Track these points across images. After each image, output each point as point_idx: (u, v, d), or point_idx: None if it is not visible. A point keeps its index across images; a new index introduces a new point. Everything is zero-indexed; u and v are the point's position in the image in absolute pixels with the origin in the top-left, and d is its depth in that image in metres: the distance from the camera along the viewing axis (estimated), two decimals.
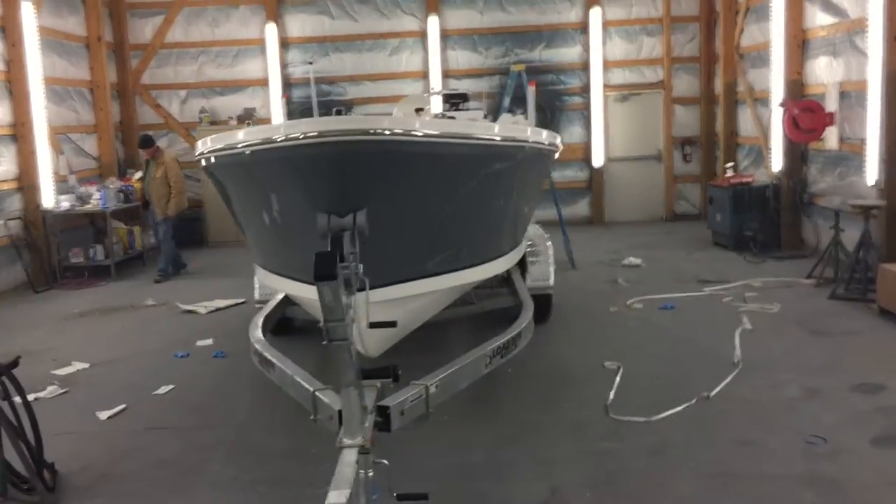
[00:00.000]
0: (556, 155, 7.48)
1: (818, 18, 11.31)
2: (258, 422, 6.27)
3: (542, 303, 8.37)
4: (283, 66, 15.76)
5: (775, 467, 4.97)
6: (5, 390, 4.93)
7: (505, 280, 8.31)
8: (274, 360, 5.50)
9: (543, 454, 5.38)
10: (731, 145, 14.85)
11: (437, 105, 9.66)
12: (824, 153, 11.30)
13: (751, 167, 14.05)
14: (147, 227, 13.50)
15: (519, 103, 13.19)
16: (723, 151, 14.95)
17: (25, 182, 12.03)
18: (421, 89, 15.30)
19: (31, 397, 6.78)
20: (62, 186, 12.83)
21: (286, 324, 8.07)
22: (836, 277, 9.43)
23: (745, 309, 8.73)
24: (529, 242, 8.52)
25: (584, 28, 15.61)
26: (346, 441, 3.90)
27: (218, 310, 10.06)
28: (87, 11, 14.23)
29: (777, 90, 12.23)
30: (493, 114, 13.74)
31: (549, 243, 8.65)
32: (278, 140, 4.17)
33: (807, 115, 10.93)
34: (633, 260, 11.72)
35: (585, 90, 15.79)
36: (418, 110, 9.10)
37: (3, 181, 11.61)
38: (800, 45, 11.74)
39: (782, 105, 11.43)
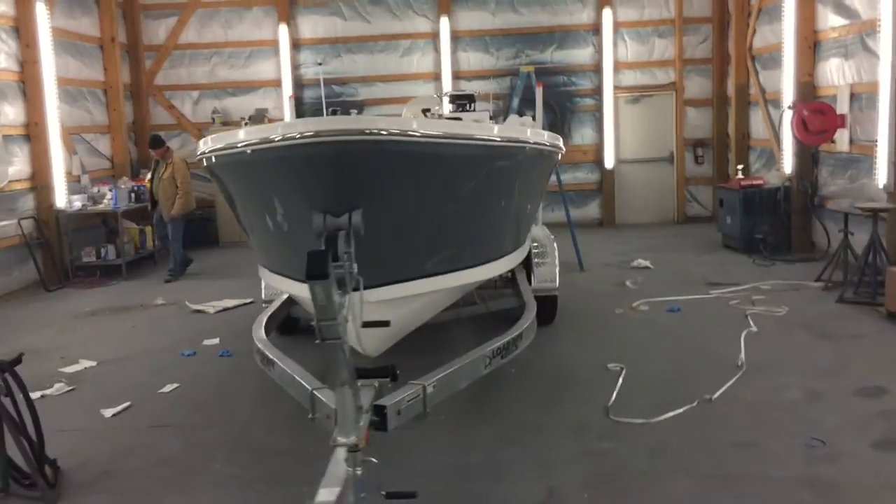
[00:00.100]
0: (559, 156, 7.48)
1: (830, 20, 11.25)
2: (260, 420, 6.30)
3: (548, 304, 8.39)
4: (295, 67, 15.83)
5: (774, 470, 4.95)
6: (7, 387, 4.98)
7: (510, 281, 8.33)
8: (274, 358, 5.55)
9: (542, 455, 5.38)
10: (742, 147, 14.78)
11: (448, 106, 9.66)
12: (835, 155, 11.25)
13: (762, 169, 13.98)
14: (152, 226, 13.53)
15: (529, 104, 13.18)
16: (734, 153, 14.89)
17: (38, 182, 12.16)
18: (432, 90, 15.31)
19: (37, 394, 6.97)
20: (75, 186, 12.96)
21: (292, 323, 8.13)
22: (845, 281, 9.37)
23: (751, 312, 8.69)
24: (535, 244, 8.53)
25: (595, 29, 15.59)
26: (340, 440, 3.92)
27: (226, 309, 10.12)
28: (100, 12, 14.36)
29: (788, 92, 12.17)
30: (504, 115, 13.79)
31: (554, 245, 8.64)
32: (276, 140, 4.21)
33: (817, 116, 10.88)
34: (641, 262, 11.70)
35: (597, 92, 15.76)
36: (425, 111, 9.13)
37: (17, 181, 11.73)
38: (811, 47, 11.69)
39: (791, 107, 11.37)
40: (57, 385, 7.29)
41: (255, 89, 16.04)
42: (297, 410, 5.31)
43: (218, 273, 12.65)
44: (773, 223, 12.16)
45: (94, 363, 8.00)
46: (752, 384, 6.51)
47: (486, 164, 5.11)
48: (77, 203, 12.62)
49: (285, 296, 7.39)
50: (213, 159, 4.96)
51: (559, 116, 15.54)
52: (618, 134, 15.85)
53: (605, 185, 15.97)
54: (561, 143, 7.37)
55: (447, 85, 15.37)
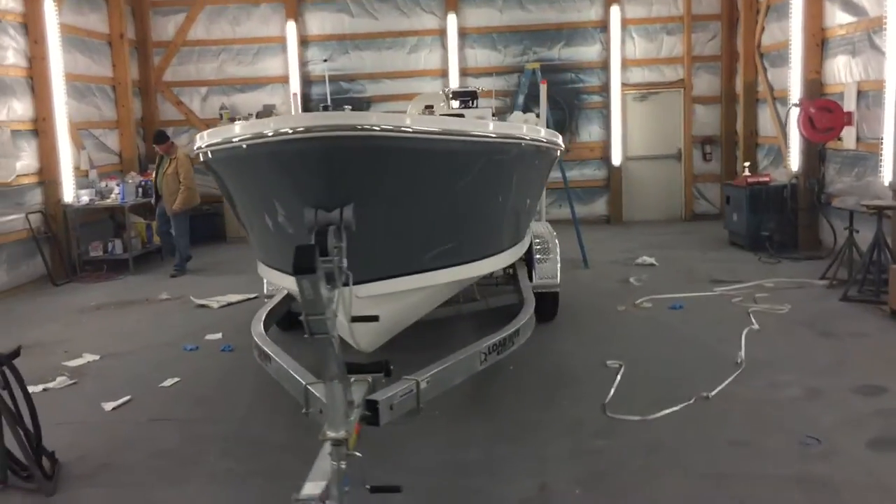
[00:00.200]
0: (558, 153, 7.47)
1: (838, 17, 11.19)
2: (258, 415, 6.33)
3: (549, 301, 8.40)
4: (303, 63, 15.87)
5: (767, 468, 4.93)
6: (5, 380, 5.02)
7: (512, 277, 8.34)
8: (271, 353, 5.58)
9: (537, 452, 5.38)
10: (750, 145, 14.72)
11: (450, 103, 9.68)
12: (842, 153, 11.19)
13: (770, 167, 13.93)
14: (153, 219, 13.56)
15: (534, 101, 13.18)
16: (742, 151, 14.83)
17: (46, 176, 12.24)
18: (440, 87, 15.30)
19: (40, 388, 7.05)
20: (83, 181, 13.04)
21: (293, 319, 8.14)
22: (849, 279, 9.32)
23: (754, 309, 8.66)
24: (538, 240, 8.53)
25: (603, 26, 15.57)
26: (330, 434, 3.94)
27: (230, 304, 10.17)
28: (109, 9, 14.45)
29: (796, 89, 12.10)
30: (511, 111, 13.77)
31: (556, 241, 8.64)
32: (268, 135, 4.22)
33: (824, 114, 10.82)
34: (646, 259, 11.67)
35: (604, 89, 15.74)
36: (428, 108, 9.14)
37: (25, 175, 11.81)
38: (819, 44, 11.62)
39: (798, 104, 11.32)
40: (59, 378, 7.34)
41: (263, 86, 16.10)
42: (295, 405, 5.29)
43: (223, 268, 12.69)
44: (780, 221, 12.12)
45: (97, 357, 8.06)
46: (750, 382, 6.50)
47: (481, 160, 5.11)
48: (84, 198, 12.71)
49: (285, 291, 7.42)
50: (209, 154, 4.98)
51: (567, 113, 15.55)
52: (625, 131, 15.82)
53: (613, 182, 15.94)
54: (560, 140, 7.35)
55: (455, 82, 15.39)
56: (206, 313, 9.88)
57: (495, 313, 7.83)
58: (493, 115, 8.81)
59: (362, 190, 4.23)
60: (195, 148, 5.46)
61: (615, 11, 15.36)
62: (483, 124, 5.51)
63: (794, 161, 12.32)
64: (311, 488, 3.43)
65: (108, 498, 5.05)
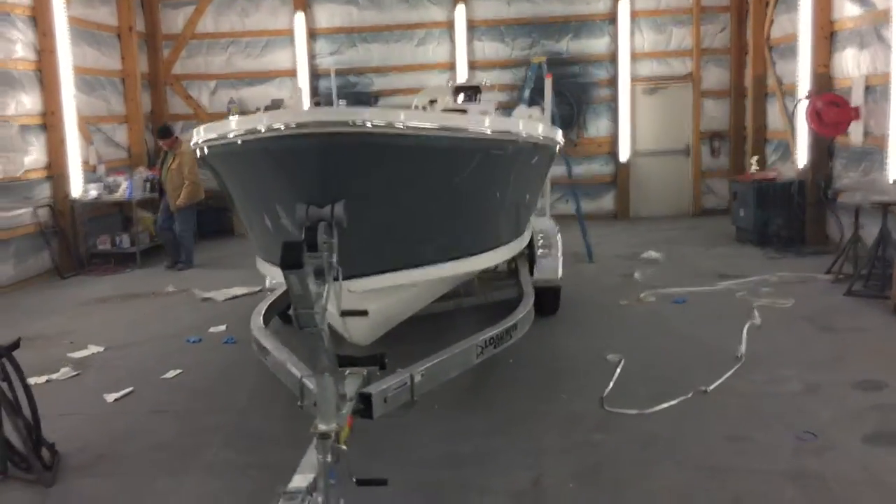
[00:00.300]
0: (557, 149, 7.46)
1: (846, 9, 11.10)
2: (258, 407, 6.37)
3: (551, 296, 8.40)
4: (311, 56, 15.88)
5: (761, 462, 4.93)
6: (4, 372, 5.07)
7: (514, 271, 8.35)
8: (268, 347, 5.62)
9: (533, 444, 5.40)
10: (759, 140, 14.62)
11: (453, 98, 9.66)
12: (849, 148, 11.11)
13: (779, 162, 13.84)
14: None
15: (541, 95, 13.06)
16: (751, 146, 14.73)
17: (54, 171, 12.29)
18: (447, 80, 15.30)
19: (43, 379, 7.12)
20: (91, 175, 13.10)
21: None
22: (855, 274, 9.28)
23: (757, 304, 8.63)
24: (541, 235, 8.53)
25: (612, 19, 15.49)
26: (321, 427, 3.97)
27: (235, 297, 10.23)
28: (118, 2, 14.47)
29: (804, 83, 12.03)
30: (519, 105, 13.74)
31: (559, 236, 8.63)
32: (261, 131, 4.25)
33: (831, 108, 10.75)
34: (652, 254, 11.65)
35: (613, 82, 15.67)
36: (432, 102, 9.14)
37: (33, 170, 11.87)
38: (827, 37, 11.54)
39: (806, 98, 11.26)
40: (63, 370, 7.41)
41: (272, 79, 16.12)
42: (294, 397, 5.35)
43: (229, 262, 12.75)
44: (787, 216, 12.07)
45: (101, 349, 8.13)
46: (749, 376, 6.49)
47: (475, 157, 5.11)
48: (93, 192, 12.78)
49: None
50: (206, 150, 5.01)
51: (575, 108, 15.49)
52: (634, 125, 15.75)
53: (620, 177, 15.89)
54: (559, 136, 7.35)
55: (462, 75, 15.36)
56: (210, 306, 9.95)
57: (499, 307, 7.82)
58: (497, 109, 8.80)
59: (354, 186, 4.25)
60: (191, 144, 5.49)
61: (624, 3, 15.27)
62: (478, 120, 5.49)
63: (802, 156, 12.25)
64: (299, 481, 3.46)
65: (106, 489, 5.10)
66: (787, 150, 13.45)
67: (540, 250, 8.40)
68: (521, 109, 9.42)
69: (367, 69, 15.89)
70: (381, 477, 3.83)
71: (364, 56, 15.88)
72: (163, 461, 5.44)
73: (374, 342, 5.56)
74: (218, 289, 10.58)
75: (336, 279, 3.94)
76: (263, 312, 6.71)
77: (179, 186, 11.95)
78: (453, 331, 7.70)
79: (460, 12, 15.49)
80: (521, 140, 5.80)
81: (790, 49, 13.04)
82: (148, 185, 13.29)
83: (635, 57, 15.59)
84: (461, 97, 9.24)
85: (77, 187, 12.61)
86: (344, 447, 3.69)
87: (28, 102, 11.79)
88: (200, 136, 5.07)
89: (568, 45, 15.64)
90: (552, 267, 8.32)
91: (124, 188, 12.99)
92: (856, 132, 10.71)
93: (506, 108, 13.00)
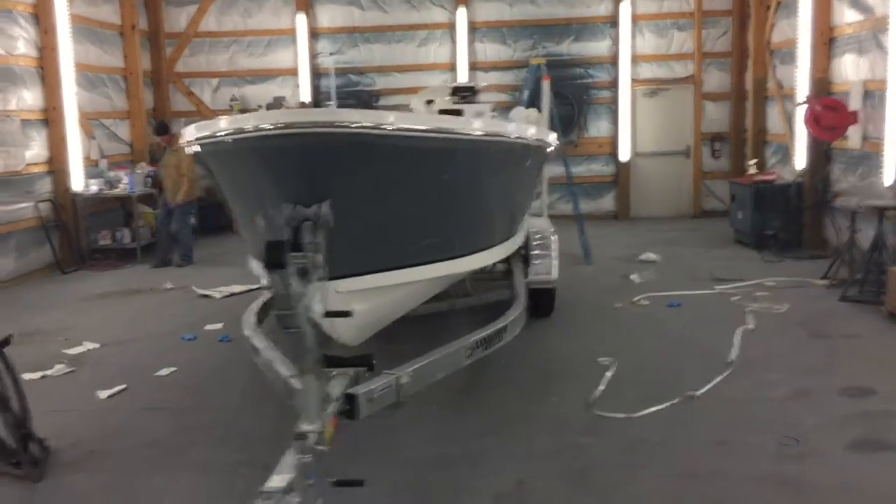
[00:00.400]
0: (550, 150, 7.48)
1: (846, 15, 11.10)
2: (250, 405, 6.39)
3: (545, 297, 8.43)
4: (313, 55, 15.94)
5: (742, 468, 4.95)
6: None
7: (508, 273, 8.37)
8: (258, 345, 5.65)
9: (520, 447, 5.43)
10: (759, 142, 14.64)
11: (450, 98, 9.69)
12: (848, 152, 11.12)
13: (778, 165, 13.86)
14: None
15: (540, 97, 13.13)
16: (751, 148, 14.74)
17: (56, 166, 12.37)
18: (448, 81, 15.34)
19: (38, 375, 7.17)
20: (92, 170, 13.16)
21: None
22: (850, 279, 9.28)
23: (751, 308, 8.65)
24: (537, 235, 8.55)
25: (613, 22, 15.53)
26: (304, 427, 4.00)
27: (232, 295, 10.27)
28: (121, 0, 14.53)
29: (803, 87, 12.04)
30: (525, 106, 13.75)
31: (554, 237, 8.65)
32: (249, 130, 4.28)
33: (830, 113, 10.75)
34: (649, 256, 11.67)
35: (614, 84, 15.71)
36: (429, 102, 9.18)
37: (34, 164, 11.95)
38: (826, 42, 11.54)
39: (804, 102, 11.26)
40: (57, 366, 7.46)
41: (274, 77, 16.19)
42: (285, 396, 5.38)
43: (229, 259, 12.73)
44: (785, 219, 12.08)
45: (97, 345, 8.18)
46: (739, 381, 6.52)
47: (464, 158, 5.14)
48: (94, 187, 12.84)
49: None
50: (198, 147, 5.05)
51: (576, 109, 15.55)
52: (634, 127, 15.79)
53: (621, 178, 15.92)
54: (552, 138, 7.36)
55: (464, 76, 15.41)
56: (208, 303, 9.99)
57: (494, 308, 7.83)
58: (494, 110, 8.84)
59: (341, 186, 4.28)
60: (182, 141, 5.53)
61: (625, 7, 15.32)
62: (467, 122, 5.53)
63: (800, 159, 12.25)
64: (277, 481, 3.49)
65: (94, 485, 5.13)
66: (786, 153, 13.45)
67: (535, 251, 8.41)
68: (519, 111, 9.43)
69: (369, 69, 15.94)
70: (359, 478, 3.85)
71: (366, 56, 15.93)
72: (152, 458, 5.48)
73: (365, 342, 5.59)
74: (216, 286, 10.63)
75: (321, 279, 3.97)
76: (258, 311, 6.74)
77: (178, 183, 12.00)
78: (447, 331, 7.73)
79: (462, 14, 15.54)
80: (510, 142, 5.82)
81: (790, 53, 13.05)
82: (149, 180, 13.34)
83: (636, 60, 15.64)
84: (457, 98, 9.26)
85: (78, 182, 12.67)
86: (322, 448, 3.72)
87: (29, 98, 11.86)
88: (192, 134, 5.11)
89: (569, 48, 15.68)
90: (547, 268, 8.33)
91: (125, 183, 13.04)
92: (854, 136, 10.72)
93: (507, 109, 13.00)
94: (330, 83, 10.42)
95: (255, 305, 6.92)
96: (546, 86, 10.33)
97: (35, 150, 11.98)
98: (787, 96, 13.30)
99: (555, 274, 8.42)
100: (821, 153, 11.62)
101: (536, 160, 7.13)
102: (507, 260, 8.11)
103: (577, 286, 10.00)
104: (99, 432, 5.93)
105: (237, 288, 10.49)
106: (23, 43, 11.73)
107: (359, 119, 4.25)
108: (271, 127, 4.15)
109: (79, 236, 12.69)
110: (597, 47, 15.69)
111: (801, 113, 11.42)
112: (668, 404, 6.03)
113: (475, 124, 5.36)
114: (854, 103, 10.62)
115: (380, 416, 4.93)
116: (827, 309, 8.71)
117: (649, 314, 8.78)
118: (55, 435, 5.65)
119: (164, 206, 12.38)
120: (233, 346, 8.02)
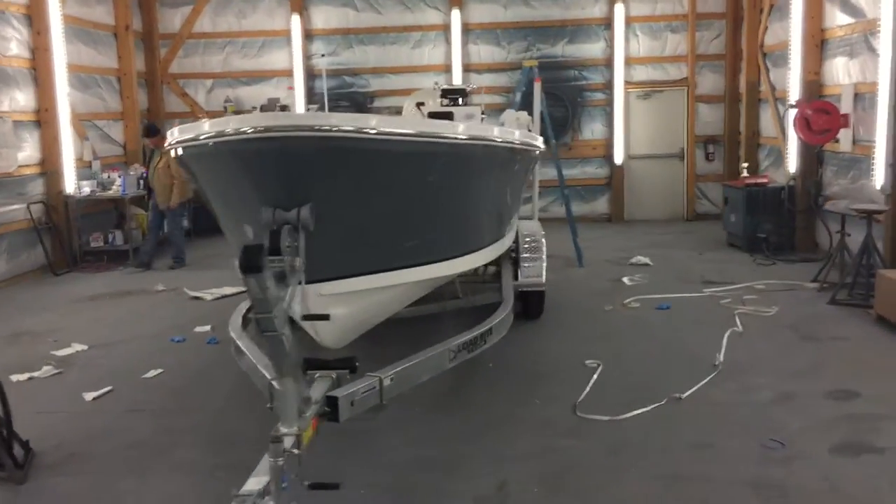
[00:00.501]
0: (537, 153, 7.48)
1: (837, 18, 11.12)
2: (234, 408, 6.39)
3: (535, 299, 8.45)
4: (308, 57, 15.93)
5: (725, 471, 4.95)
6: None
7: (497, 275, 8.37)
8: (243, 348, 5.66)
9: (502, 450, 5.43)
10: (752, 145, 14.65)
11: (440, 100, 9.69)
12: (839, 155, 11.14)
13: (771, 168, 13.88)
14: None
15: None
16: (744, 151, 14.76)
17: (48, 167, 12.36)
18: (443, 82, 15.32)
19: (25, 376, 7.17)
20: (85, 172, 13.15)
21: None
22: (840, 282, 9.28)
23: (740, 311, 8.65)
24: (527, 238, 8.55)
25: (607, 24, 15.53)
26: (283, 430, 4.00)
27: (224, 297, 10.26)
28: (115, 1, 14.53)
29: (795, 90, 12.04)
30: (516, 108, 13.75)
31: (544, 240, 8.64)
32: (229, 133, 4.28)
33: (820, 115, 10.76)
34: (641, 259, 11.67)
35: (608, 86, 15.71)
36: (419, 105, 9.18)
37: (27, 166, 11.93)
38: (818, 45, 11.57)
39: (794, 105, 11.28)
40: (45, 368, 7.45)
41: (268, 79, 16.18)
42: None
43: (221, 261, 12.71)
44: (777, 222, 12.08)
45: (85, 347, 8.17)
46: (724, 384, 6.52)
47: (446, 162, 5.13)
48: (86, 189, 12.83)
49: None
50: (181, 150, 5.04)
51: (570, 111, 15.55)
52: (628, 129, 15.78)
53: (615, 180, 15.91)
54: (539, 141, 7.37)
55: (458, 77, 15.41)
56: (198, 305, 9.99)
57: (483, 310, 7.81)
58: (483, 112, 8.84)
59: (321, 190, 4.28)
60: (166, 144, 5.53)
61: (619, 9, 15.32)
62: (450, 126, 5.51)
63: (792, 162, 12.27)
64: (253, 484, 3.49)
65: (77, 487, 5.13)
66: (779, 156, 13.46)
67: (525, 254, 8.41)
68: (509, 113, 9.42)
69: (363, 70, 15.94)
70: (334, 481, 3.85)
71: (360, 57, 15.93)
72: (133, 460, 5.47)
73: (351, 345, 5.58)
74: (208, 288, 10.62)
75: (300, 283, 3.98)
76: (245, 313, 6.74)
77: (168, 185, 11.98)
78: (436, 334, 7.75)
79: (456, 16, 15.54)
80: (494, 145, 5.82)
81: (783, 56, 13.04)
82: (141, 182, 13.34)
83: (630, 62, 15.64)
84: (448, 100, 9.25)
85: (70, 183, 12.65)
86: (296, 451, 3.72)
87: (22, 99, 11.85)
88: (175, 136, 5.11)
89: (563, 49, 15.68)
90: (537, 271, 8.34)
91: (118, 185, 13.04)
92: (845, 139, 10.73)
93: (500, 111, 13.00)
94: (323, 85, 10.39)
95: (243, 307, 6.91)
96: (537, 88, 10.34)
97: (27, 151, 11.97)
98: (780, 99, 13.31)
99: (544, 277, 8.42)
100: (812, 156, 11.64)
101: (523, 163, 7.13)
102: (497, 262, 8.12)
103: (569, 289, 10.01)
104: (83, 434, 5.94)
105: (228, 290, 10.48)
106: (15, 44, 11.72)
107: (338, 123, 4.25)
108: (251, 130, 4.15)
109: (71, 238, 12.68)
110: (591, 49, 15.70)
111: (790, 116, 11.43)
112: (652, 407, 6.03)
113: (458, 128, 5.35)
114: (845, 106, 10.63)
115: (363, 419, 4.95)
116: (816, 312, 8.71)
117: (639, 317, 8.78)
118: (39, 437, 5.66)
119: (153, 208, 12.35)
120: (220, 348, 8.01)
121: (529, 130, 9.18)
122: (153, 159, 12.22)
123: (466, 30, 15.68)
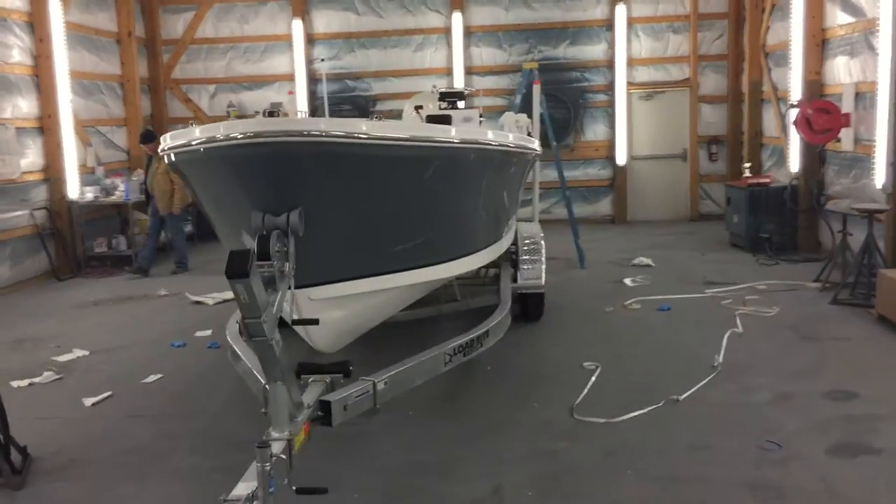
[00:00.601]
0: (533, 156, 7.47)
1: (838, 17, 11.09)
2: (232, 413, 6.40)
3: (534, 302, 8.45)
4: (310, 61, 15.96)
5: (722, 473, 4.94)
6: None
7: (496, 278, 8.37)
8: (239, 352, 5.67)
9: (497, 453, 5.42)
10: (755, 145, 14.60)
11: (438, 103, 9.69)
12: (841, 155, 11.10)
13: (774, 168, 13.84)
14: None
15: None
16: (747, 151, 14.71)
17: (51, 173, 12.41)
18: (444, 86, 15.32)
19: (26, 382, 7.19)
20: (88, 178, 13.21)
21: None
22: (841, 282, 9.25)
23: (741, 312, 8.63)
24: (526, 240, 8.55)
25: (609, 25, 15.52)
26: (274, 435, 4.01)
27: (225, 301, 10.27)
28: (117, 7, 14.60)
29: (797, 90, 12.01)
30: (515, 111, 13.74)
31: (543, 242, 8.63)
32: (219, 139, 4.29)
33: (822, 115, 10.71)
34: (643, 260, 11.65)
35: (610, 88, 15.69)
36: (418, 108, 9.18)
37: (30, 172, 11.99)
38: (819, 45, 11.53)
39: (795, 105, 11.24)
40: (46, 373, 7.49)
41: (271, 83, 16.23)
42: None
43: (223, 266, 12.76)
44: (780, 222, 12.04)
45: (86, 352, 8.20)
46: (723, 385, 6.50)
47: (439, 165, 5.13)
48: (89, 195, 12.87)
49: None
50: (172, 156, 5.06)
51: (572, 112, 15.54)
52: (631, 130, 15.76)
53: (618, 181, 15.89)
54: (535, 144, 7.36)
55: (459, 80, 15.41)
56: (200, 310, 10.01)
57: (481, 313, 7.80)
58: (481, 115, 8.84)
59: (311, 195, 4.29)
60: (159, 150, 5.55)
61: (621, 10, 15.30)
62: (442, 129, 5.51)
63: (794, 162, 12.23)
64: (241, 489, 3.50)
65: (75, 492, 5.14)
66: (782, 156, 13.42)
67: (525, 256, 8.41)
68: (508, 116, 9.41)
69: (365, 74, 15.97)
70: (322, 486, 3.85)
71: (362, 61, 15.96)
72: (132, 465, 5.49)
73: (347, 349, 5.59)
74: (210, 292, 10.64)
75: (289, 287, 3.98)
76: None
77: (167, 190, 11.98)
78: (434, 336, 7.75)
79: (457, 18, 15.54)
80: (489, 148, 5.82)
81: (784, 56, 13.00)
82: (143, 187, 13.36)
83: (632, 63, 15.62)
84: (446, 103, 9.24)
85: (74, 190, 12.70)
86: (283, 457, 3.73)
87: (25, 106, 11.91)
88: (167, 142, 5.12)
89: (565, 51, 15.68)
90: (536, 273, 8.33)
91: (121, 190, 13.08)
92: (847, 139, 10.69)
93: (500, 114, 12.99)
94: (323, 89, 10.41)
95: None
96: (537, 90, 10.33)
97: (30, 158, 12.03)
98: (782, 99, 13.27)
99: (543, 279, 8.42)
100: (814, 156, 11.60)
101: (519, 165, 7.13)
102: (496, 265, 8.12)
103: (570, 290, 10.01)
104: (82, 440, 5.95)
105: (230, 294, 10.46)
106: (18, 51, 11.78)
107: (328, 128, 4.26)
108: (241, 136, 4.16)
109: (74, 244, 12.72)
110: (593, 51, 15.69)
111: (792, 116, 11.39)
112: (650, 409, 6.02)
113: (451, 131, 5.36)
114: (846, 105, 10.59)
115: (357, 423, 4.96)
116: (817, 312, 8.68)
117: (639, 318, 8.77)
118: (38, 442, 5.69)
119: (154, 214, 12.39)
120: (221, 352, 8.00)
121: (529, 133, 9.19)
122: (151, 165, 12.25)
123: (468, 32, 15.69)
